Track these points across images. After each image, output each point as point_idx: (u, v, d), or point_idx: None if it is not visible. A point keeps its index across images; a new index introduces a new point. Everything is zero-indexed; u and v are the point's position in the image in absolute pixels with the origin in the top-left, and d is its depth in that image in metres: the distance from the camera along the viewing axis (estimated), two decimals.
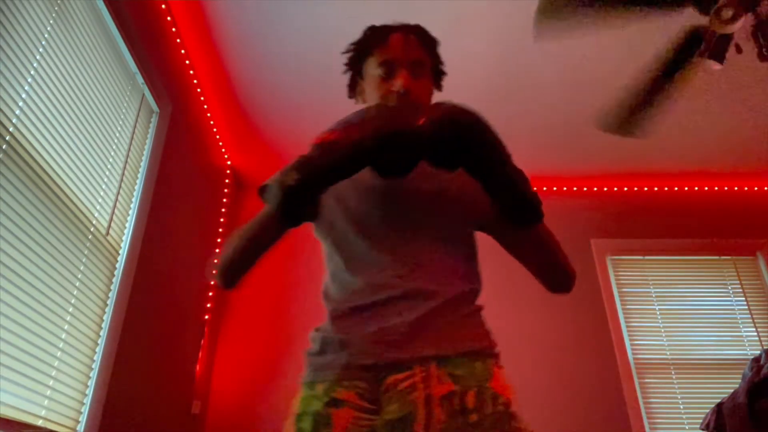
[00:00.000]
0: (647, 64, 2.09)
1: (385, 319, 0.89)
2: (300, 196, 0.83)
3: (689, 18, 1.94)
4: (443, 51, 1.15)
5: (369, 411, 0.84)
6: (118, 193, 2.09)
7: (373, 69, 1.06)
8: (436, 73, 1.13)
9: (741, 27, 1.85)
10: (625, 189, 3.71)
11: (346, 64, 1.14)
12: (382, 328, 0.89)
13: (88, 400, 1.83)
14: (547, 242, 0.96)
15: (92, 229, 1.89)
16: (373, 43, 1.07)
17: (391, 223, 0.98)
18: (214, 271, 1.00)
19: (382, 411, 0.83)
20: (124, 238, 2.14)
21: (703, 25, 1.92)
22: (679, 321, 3.31)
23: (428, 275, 0.93)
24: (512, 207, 0.86)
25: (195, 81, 2.79)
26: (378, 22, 1.14)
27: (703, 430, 2.16)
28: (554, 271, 0.99)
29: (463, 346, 0.88)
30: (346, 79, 1.16)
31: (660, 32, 2.00)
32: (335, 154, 0.81)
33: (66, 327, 1.72)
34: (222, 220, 3.34)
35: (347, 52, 1.13)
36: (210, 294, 3.12)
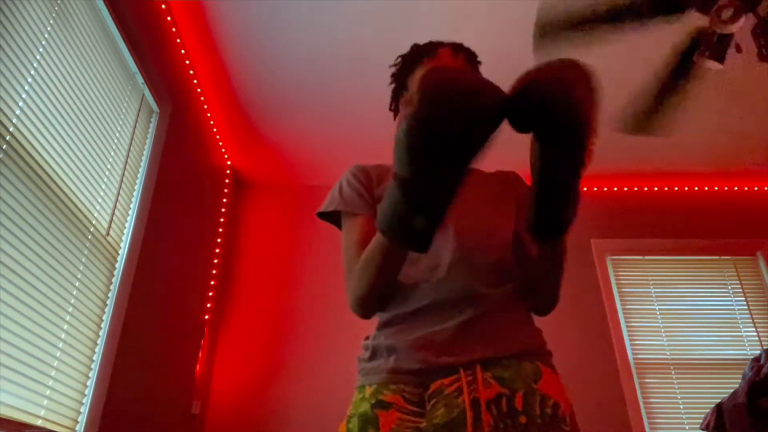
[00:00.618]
0: (652, 65, 2.09)
1: (432, 324, 0.90)
2: (432, 233, 0.77)
3: (692, 19, 1.94)
4: None
5: (415, 414, 0.85)
6: (118, 193, 2.09)
7: None
8: None
9: (741, 27, 1.85)
10: (625, 189, 3.71)
11: (392, 76, 1.16)
12: (428, 333, 0.89)
13: (87, 400, 1.83)
14: (556, 265, 0.93)
15: (92, 229, 1.89)
16: (422, 54, 1.09)
17: (440, 234, 0.98)
18: (352, 306, 0.97)
19: (429, 415, 0.84)
20: (124, 238, 2.14)
21: (707, 27, 1.92)
22: (679, 321, 3.31)
23: (477, 278, 0.94)
24: (552, 213, 0.78)
25: (195, 81, 2.79)
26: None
27: (703, 430, 2.16)
28: (545, 293, 0.97)
29: (511, 347, 0.88)
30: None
31: (662, 33, 2.01)
32: (423, 162, 0.70)
33: (66, 327, 1.72)
34: (222, 220, 3.34)
35: (394, 65, 1.15)
36: (210, 294, 3.12)
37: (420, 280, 0.95)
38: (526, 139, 0.77)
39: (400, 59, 1.14)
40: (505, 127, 0.74)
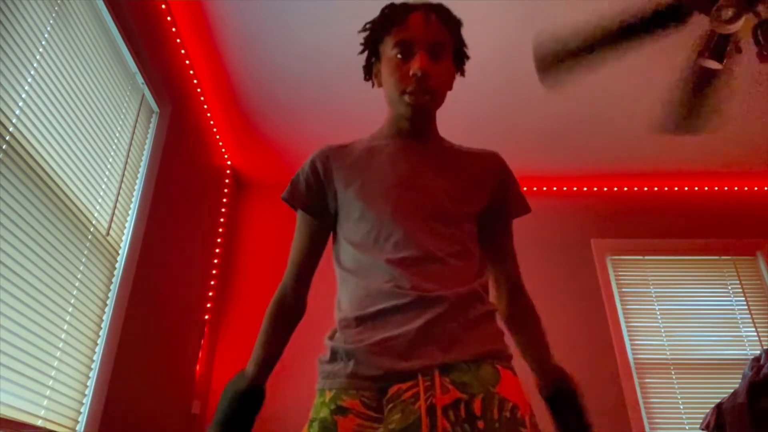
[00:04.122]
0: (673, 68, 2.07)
1: (391, 328, 0.88)
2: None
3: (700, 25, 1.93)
4: None
5: (374, 419, 0.84)
6: (118, 193, 2.09)
7: (390, 50, 1.00)
8: (458, 57, 1.06)
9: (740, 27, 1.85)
10: (625, 189, 3.71)
11: (362, 44, 1.08)
12: (387, 337, 0.87)
13: (87, 400, 1.83)
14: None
15: (92, 229, 1.89)
16: (391, 21, 1.01)
17: (399, 232, 0.96)
18: None
19: (386, 421, 0.82)
20: (124, 238, 2.14)
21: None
22: (679, 321, 3.31)
23: (436, 280, 0.91)
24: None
25: (195, 81, 2.79)
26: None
27: (703, 430, 2.16)
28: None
29: (470, 351, 0.86)
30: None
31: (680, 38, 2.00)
32: None
33: (66, 327, 1.72)
34: (222, 220, 3.34)
35: (363, 30, 1.07)
36: (210, 294, 3.12)
37: (383, 283, 0.92)
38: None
39: (369, 25, 1.06)
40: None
